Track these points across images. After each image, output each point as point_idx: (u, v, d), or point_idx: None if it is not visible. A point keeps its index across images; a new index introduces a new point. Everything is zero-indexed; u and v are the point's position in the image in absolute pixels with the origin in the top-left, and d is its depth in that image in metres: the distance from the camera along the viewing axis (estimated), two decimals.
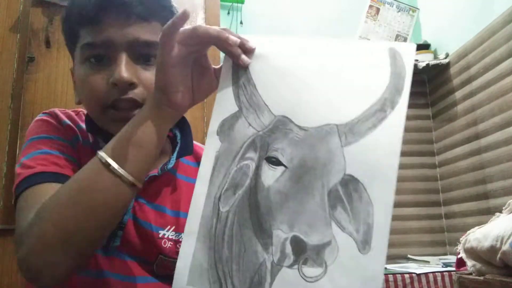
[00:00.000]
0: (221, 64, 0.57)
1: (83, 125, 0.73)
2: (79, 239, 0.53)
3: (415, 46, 0.50)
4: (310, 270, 0.44)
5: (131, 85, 0.64)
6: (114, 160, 0.54)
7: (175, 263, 0.69)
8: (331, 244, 0.44)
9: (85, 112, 0.75)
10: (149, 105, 0.56)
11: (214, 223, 0.49)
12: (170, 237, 0.71)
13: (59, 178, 0.61)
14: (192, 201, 0.51)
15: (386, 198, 0.45)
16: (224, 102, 0.53)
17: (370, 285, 0.41)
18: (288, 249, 0.45)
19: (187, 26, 0.53)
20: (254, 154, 0.50)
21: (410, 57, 0.49)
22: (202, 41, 0.54)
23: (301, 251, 0.45)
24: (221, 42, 0.53)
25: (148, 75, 0.65)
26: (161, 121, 0.56)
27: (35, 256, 0.52)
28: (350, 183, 0.46)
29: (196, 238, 0.49)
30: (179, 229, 0.71)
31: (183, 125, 0.78)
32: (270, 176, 0.48)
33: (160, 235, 0.70)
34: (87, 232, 0.54)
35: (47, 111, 0.74)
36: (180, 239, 0.70)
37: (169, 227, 0.71)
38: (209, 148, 0.52)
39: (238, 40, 0.54)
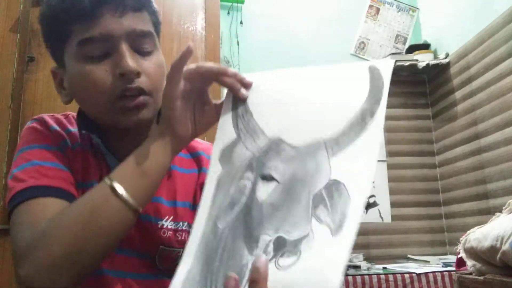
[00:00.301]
0: (222, 99, 0.62)
1: (72, 129, 0.74)
2: (84, 260, 0.55)
3: (393, 62, 0.55)
4: (285, 260, 0.46)
5: (137, 74, 0.66)
6: (123, 187, 0.57)
7: (176, 252, 0.70)
8: (308, 235, 0.47)
9: (74, 114, 0.76)
10: (155, 136, 0.60)
11: (211, 239, 0.52)
12: (169, 227, 0.72)
13: (51, 191, 0.63)
14: (194, 223, 0.54)
15: (363, 192, 0.48)
16: (225, 131, 0.58)
17: (337, 262, 0.44)
18: (270, 247, 0.48)
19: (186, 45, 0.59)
20: (251, 174, 0.53)
21: (387, 70, 0.53)
22: (205, 77, 0.59)
23: (281, 247, 0.48)
24: (223, 79, 0.58)
25: (148, 63, 0.68)
26: (165, 151, 0.60)
27: (41, 275, 0.53)
28: (333, 185, 0.49)
29: (193, 256, 0.52)
30: (177, 218, 0.73)
31: None
32: (264, 191, 0.52)
33: (160, 226, 0.71)
34: (92, 253, 0.56)
35: (36, 117, 0.74)
36: (179, 228, 0.73)
37: (167, 217, 0.72)
38: (212, 173, 0.56)
39: (237, 76, 0.59)
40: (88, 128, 0.72)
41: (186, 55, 0.57)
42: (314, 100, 0.56)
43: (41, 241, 0.55)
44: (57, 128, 0.72)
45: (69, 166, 0.69)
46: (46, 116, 0.74)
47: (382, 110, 0.51)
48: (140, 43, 0.68)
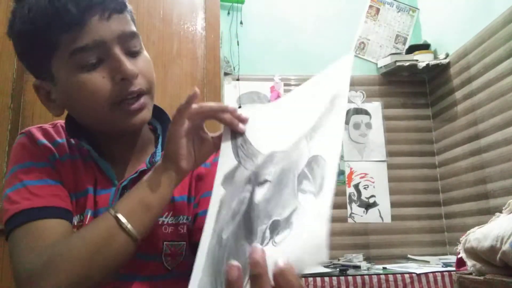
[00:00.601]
0: (219, 132, 0.67)
1: (60, 140, 0.75)
2: (88, 287, 0.59)
3: (352, 56, 0.65)
4: (280, 236, 0.49)
5: (136, 76, 0.68)
6: (128, 221, 0.59)
7: (180, 246, 0.72)
8: (297, 208, 0.50)
9: (62, 123, 0.77)
10: (158, 171, 0.63)
11: (216, 250, 0.54)
12: (169, 222, 0.73)
13: (45, 212, 0.65)
14: (201, 242, 0.56)
15: (335, 150, 0.53)
16: (226, 160, 0.62)
17: (321, 215, 0.47)
18: (267, 233, 0.50)
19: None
20: (250, 186, 0.57)
21: (348, 61, 0.64)
22: (206, 116, 0.63)
23: (276, 228, 0.50)
24: (221, 115, 0.63)
25: (140, 63, 0.70)
26: (167, 185, 0.63)
27: None
28: (313, 160, 0.54)
29: (202, 269, 0.53)
30: (176, 213, 0.74)
31: (161, 115, 0.81)
32: (260, 194, 0.55)
33: (160, 222, 0.72)
34: (96, 281, 0.59)
35: (24, 131, 0.75)
36: (180, 222, 0.74)
37: (166, 213, 0.73)
38: (215, 196, 0.59)
39: (235, 113, 0.63)
40: (77, 134, 0.73)
41: (192, 99, 0.61)
42: (299, 111, 0.63)
43: (46, 270, 0.57)
44: (44, 141, 0.73)
45: (60, 179, 0.70)
46: (33, 129, 0.75)
47: (345, 89, 0.59)
48: (130, 45, 0.68)
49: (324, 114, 0.58)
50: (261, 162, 0.59)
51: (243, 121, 0.64)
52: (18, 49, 0.69)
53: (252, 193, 0.56)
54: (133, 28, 0.70)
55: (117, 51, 0.66)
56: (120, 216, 0.59)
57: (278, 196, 0.53)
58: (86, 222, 0.68)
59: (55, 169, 0.71)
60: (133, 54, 0.69)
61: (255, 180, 0.57)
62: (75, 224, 0.68)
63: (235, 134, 0.65)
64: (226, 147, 0.64)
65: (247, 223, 0.53)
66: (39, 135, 0.73)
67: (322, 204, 0.48)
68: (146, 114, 0.71)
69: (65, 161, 0.73)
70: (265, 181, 0.56)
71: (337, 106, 0.58)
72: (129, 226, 0.59)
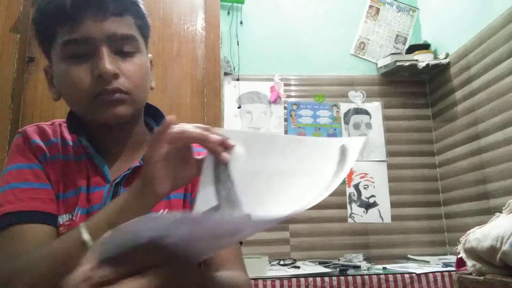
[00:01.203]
0: (203, 156, 0.62)
1: (54, 139, 0.77)
2: None
3: (364, 139, 0.59)
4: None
5: (115, 76, 0.69)
6: (92, 239, 0.57)
7: None
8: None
9: (62, 121, 0.80)
10: (132, 194, 0.59)
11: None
12: None
13: (26, 216, 0.67)
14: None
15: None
16: (207, 196, 0.58)
17: None
18: None
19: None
20: None
21: (356, 147, 0.59)
22: (187, 142, 0.59)
23: None
24: (204, 142, 0.58)
25: (128, 65, 0.71)
26: (141, 208, 0.59)
27: None
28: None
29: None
30: (172, 209, 0.75)
31: (156, 113, 0.82)
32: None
33: None
34: None
35: (20, 130, 0.77)
36: None
37: (162, 210, 0.74)
38: None
39: (219, 139, 0.59)
40: (77, 130, 0.76)
41: (170, 124, 0.58)
42: (288, 172, 0.58)
43: (10, 280, 0.60)
44: (38, 141, 0.75)
45: (49, 179, 0.72)
46: (29, 129, 0.77)
47: (345, 172, 0.56)
48: (121, 45, 0.71)
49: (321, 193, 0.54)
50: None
51: (228, 147, 0.60)
52: (34, 34, 0.76)
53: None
54: (130, 32, 0.72)
55: (104, 49, 0.68)
56: (85, 235, 0.57)
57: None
58: (77, 220, 0.70)
59: (44, 170, 0.73)
60: (124, 55, 0.71)
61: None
62: (62, 223, 0.70)
63: (219, 163, 0.60)
64: (207, 177, 0.60)
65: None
66: (34, 135, 0.76)
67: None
68: (122, 109, 0.70)
69: (56, 161, 0.74)
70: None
71: (333, 185, 0.54)
72: (92, 245, 0.56)
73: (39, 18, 0.72)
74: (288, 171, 0.58)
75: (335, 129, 2.60)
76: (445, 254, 2.39)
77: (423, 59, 2.51)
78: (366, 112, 2.64)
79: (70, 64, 0.69)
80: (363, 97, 2.66)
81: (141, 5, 0.76)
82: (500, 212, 1.23)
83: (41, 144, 0.75)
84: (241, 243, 0.82)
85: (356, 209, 2.50)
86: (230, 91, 2.58)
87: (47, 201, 0.70)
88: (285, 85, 2.63)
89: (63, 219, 0.70)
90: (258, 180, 0.58)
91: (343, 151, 0.58)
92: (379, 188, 2.53)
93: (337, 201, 2.49)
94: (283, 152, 0.61)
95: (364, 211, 2.50)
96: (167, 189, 0.60)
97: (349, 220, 2.48)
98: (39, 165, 0.73)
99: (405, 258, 2.35)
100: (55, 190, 0.72)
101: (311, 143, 0.61)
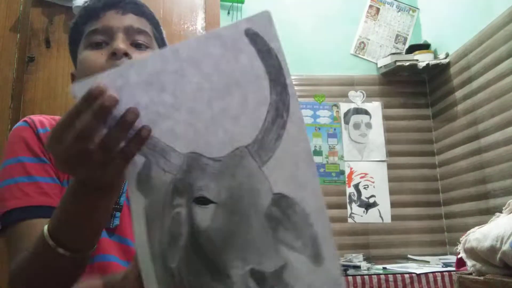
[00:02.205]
0: None
1: None
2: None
3: (268, 13, 0.48)
4: None
5: (126, 55, 0.72)
6: (54, 241, 0.55)
7: None
8: (287, 265, 0.45)
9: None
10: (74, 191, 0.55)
11: (169, 281, 0.46)
12: None
13: (31, 212, 0.67)
14: (141, 266, 0.47)
15: (318, 203, 0.45)
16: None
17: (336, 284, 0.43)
18: (252, 284, 0.44)
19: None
20: (181, 200, 0.47)
21: (269, 32, 0.48)
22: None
23: (263, 282, 0.45)
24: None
25: (141, 56, 0.74)
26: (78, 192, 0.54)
27: None
28: (281, 201, 0.46)
29: None
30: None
31: None
32: (204, 217, 0.46)
33: None
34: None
35: (26, 118, 0.77)
36: None
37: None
38: (136, 207, 0.48)
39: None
40: None
41: None
42: (207, 95, 0.47)
43: (13, 278, 0.63)
44: (43, 130, 0.75)
45: (54, 171, 0.72)
46: (36, 119, 0.76)
47: (294, 100, 0.47)
48: (136, 37, 0.76)
49: (271, 130, 0.46)
50: (184, 166, 0.47)
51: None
52: (68, 43, 0.83)
53: (190, 213, 0.47)
54: (145, 28, 0.78)
55: (120, 35, 0.74)
56: (49, 239, 0.55)
57: (243, 235, 0.45)
58: None
59: (49, 162, 0.72)
60: (138, 46, 0.76)
61: (187, 193, 0.47)
62: None
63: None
64: None
65: (201, 254, 0.46)
66: (39, 124, 0.76)
67: (333, 277, 0.43)
68: None
69: None
70: (207, 200, 0.46)
71: (291, 124, 0.46)
72: (51, 242, 0.55)
73: (73, 25, 0.80)
74: (206, 94, 0.47)
75: (335, 129, 2.60)
76: (445, 254, 2.39)
77: (423, 59, 2.51)
78: (366, 112, 2.64)
79: (89, 50, 0.75)
80: (363, 97, 2.66)
81: (157, 19, 0.84)
82: (500, 212, 1.23)
83: (46, 134, 0.74)
84: None
85: (356, 209, 2.50)
86: None
87: (53, 196, 0.70)
88: None
89: None
90: (175, 117, 0.48)
91: (257, 43, 0.47)
92: (379, 188, 2.53)
93: (337, 201, 2.49)
94: (187, 68, 0.48)
95: (364, 211, 2.50)
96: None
97: (349, 220, 2.48)
98: (44, 158, 0.72)
99: (405, 258, 2.35)
100: (61, 179, 0.72)
101: (211, 41, 0.47)
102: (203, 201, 0.46)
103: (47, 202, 0.68)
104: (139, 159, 0.48)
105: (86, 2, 0.80)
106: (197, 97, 0.47)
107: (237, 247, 0.45)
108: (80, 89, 0.45)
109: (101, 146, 0.45)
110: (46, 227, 0.56)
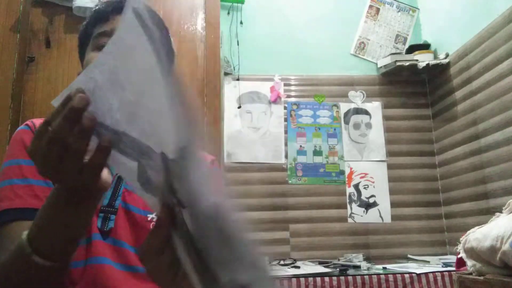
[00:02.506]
0: None
1: None
2: None
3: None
4: None
5: None
6: (32, 249, 0.55)
7: None
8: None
9: None
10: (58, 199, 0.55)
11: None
12: None
13: (22, 214, 0.68)
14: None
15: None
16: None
17: None
18: None
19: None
20: (174, 199, 0.46)
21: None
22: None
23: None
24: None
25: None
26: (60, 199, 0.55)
27: None
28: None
29: None
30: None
31: None
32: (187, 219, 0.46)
33: (149, 219, 0.75)
34: None
35: (28, 121, 0.78)
36: None
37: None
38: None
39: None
40: None
41: None
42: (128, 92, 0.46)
43: None
44: None
45: None
46: (37, 122, 0.77)
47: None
48: None
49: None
50: (164, 168, 0.46)
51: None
52: (78, 46, 0.86)
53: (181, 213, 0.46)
54: None
55: None
56: (24, 240, 0.55)
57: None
58: None
59: None
60: None
61: (174, 195, 0.46)
62: None
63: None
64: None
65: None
66: None
67: None
68: None
69: None
70: (182, 203, 0.46)
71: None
72: (28, 250, 0.55)
73: (83, 27, 0.83)
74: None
75: (335, 129, 2.60)
76: (445, 254, 2.39)
77: (423, 59, 2.51)
78: (366, 112, 2.64)
79: (96, 52, 0.77)
80: (363, 97, 2.66)
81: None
82: (500, 212, 1.23)
83: None
84: None
85: (356, 209, 2.50)
86: (230, 91, 2.58)
87: (44, 198, 0.68)
88: (285, 85, 2.63)
89: None
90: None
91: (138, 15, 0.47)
92: (379, 188, 2.53)
93: (337, 201, 2.49)
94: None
95: (364, 211, 2.50)
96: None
97: (349, 220, 2.48)
98: None
99: (405, 258, 2.35)
100: None
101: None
102: (181, 204, 0.46)
103: (37, 205, 0.67)
104: (132, 165, 0.48)
105: (96, 5, 0.83)
106: (146, 94, 0.47)
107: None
108: (59, 100, 0.47)
109: (69, 150, 0.45)
110: (25, 232, 0.56)
